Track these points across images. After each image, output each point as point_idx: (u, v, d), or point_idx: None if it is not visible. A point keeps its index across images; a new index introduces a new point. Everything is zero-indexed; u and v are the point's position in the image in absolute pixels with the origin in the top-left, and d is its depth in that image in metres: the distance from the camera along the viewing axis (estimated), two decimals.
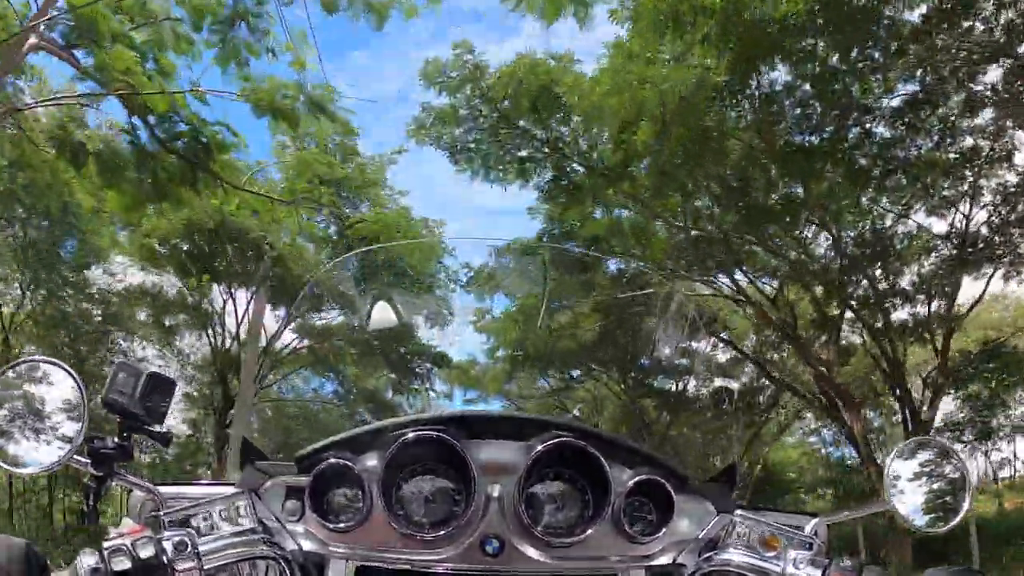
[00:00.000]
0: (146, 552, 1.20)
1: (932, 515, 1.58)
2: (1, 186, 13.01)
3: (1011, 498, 23.95)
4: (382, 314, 2.35)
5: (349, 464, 1.36)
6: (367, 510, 1.35)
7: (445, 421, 1.39)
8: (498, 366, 18.40)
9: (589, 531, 1.35)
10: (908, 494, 1.58)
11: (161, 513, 1.38)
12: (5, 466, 1.39)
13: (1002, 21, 11.42)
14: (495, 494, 1.38)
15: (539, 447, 1.34)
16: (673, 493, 1.40)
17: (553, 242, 15.25)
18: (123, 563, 1.19)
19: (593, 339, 16.81)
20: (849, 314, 16.19)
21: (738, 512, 1.45)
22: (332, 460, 1.36)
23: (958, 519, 1.55)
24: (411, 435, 1.33)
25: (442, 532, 1.33)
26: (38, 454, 1.40)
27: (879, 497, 1.56)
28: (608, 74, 13.03)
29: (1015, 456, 27.67)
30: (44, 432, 1.41)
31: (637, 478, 1.39)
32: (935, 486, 1.61)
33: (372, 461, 1.38)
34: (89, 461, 1.40)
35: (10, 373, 1.42)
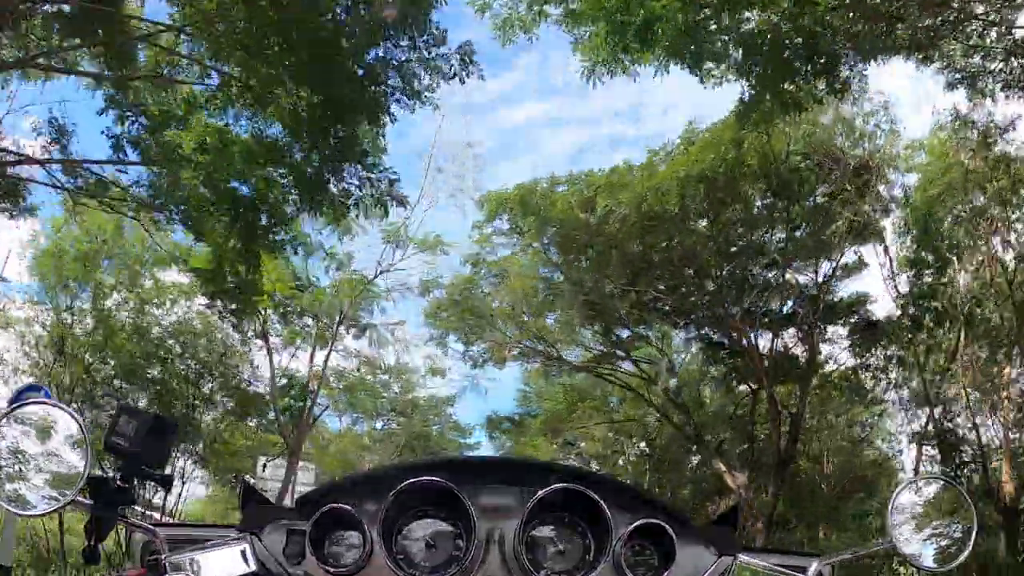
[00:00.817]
0: None
1: (936, 554, 1.57)
2: None
3: None
4: None
5: (350, 508, 1.36)
6: (368, 554, 1.35)
7: (445, 466, 1.39)
8: None
9: (591, 575, 1.34)
10: (912, 532, 1.57)
11: (162, 556, 1.38)
12: (8, 507, 1.40)
13: None
14: (495, 538, 1.38)
15: (540, 491, 1.34)
16: (674, 537, 1.39)
17: None
18: None
19: None
20: None
21: (741, 556, 1.44)
22: (333, 504, 1.36)
23: (962, 558, 1.54)
24: (411, 481, 1.33)
25: (442, 575, 1.33)
26: (41, 495, 1.41)
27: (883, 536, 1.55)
28: None
29: None
30: (47, 474, 1.42)
31: (638, 522, 1.39)
32: (939, 524, 1.60)
33: (373, 506, 1.38)
34: (92, 503, 1.40)
35: (13, 416, 1.42)
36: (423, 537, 1.39)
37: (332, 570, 1.36)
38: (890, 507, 1.54)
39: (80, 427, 1.39)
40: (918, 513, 1.59)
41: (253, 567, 1.38)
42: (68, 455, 1.43)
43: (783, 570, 1.42)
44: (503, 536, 1.38)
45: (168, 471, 1.49)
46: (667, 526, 1.39)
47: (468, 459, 1.48)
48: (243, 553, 1.40)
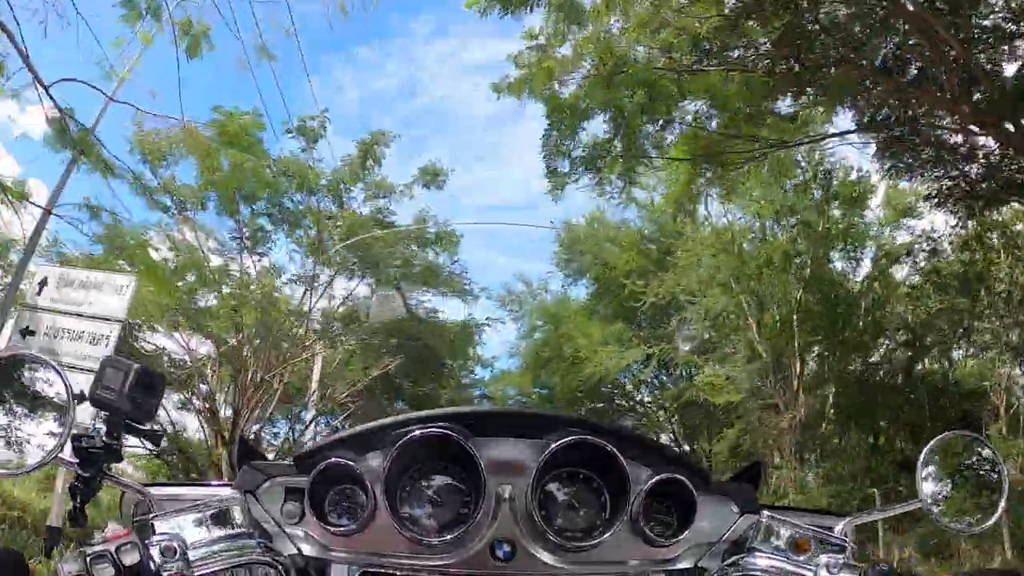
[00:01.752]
0: (130, 558, 1.12)
1: (966, 514, 1.50)
2: None
3: None
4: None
5: (351, 464, 1.28)
6: (370, 512, 1.27)
7: (452, 418, 1.30)
8: None
9: (607, 534, 1.26)
10: (941, 492, 1.50)
11: (150, 516, 1.30)
12: None
13: None
14: (506, 495, 1.29)
15: (553, 444, 1.26)
16: (695, 493, 1.31)
17: None
18: (106, 570, 1.11)
19: None
20: None
21: (764, 512, 1.36)
22: (333, 459, 1.28)
23: (994, 519, 1.46)
24: (416, 433, 1.25)
25: (450, 536, 1.25)
26: (21, 454, 1.33)
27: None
28: None
29: None
30: (28, 430, 1.34)
31: (657, 477, 1.30)
32: (969, 484, 1.53)
33: (375, 461, 1.30)
34: (76, 461, 1.32)
35: None
36: (429, 494, 1.31)
37: (333, 529, 1.28)
38: (919, 465, 1.47)
39: (63, 380, 1.31)
40: (948, 472, 1.52)
41: (247, 528, 1.31)
42: (51, 410, 1.35)
43: (810, 527, 1.34)
44: (514, 492, 1.30)
45: (155, 427, 1.41)
46: (687, 482, 1.31)
47: (477, 410, 1.39)
48: (237, 512, 1.32)
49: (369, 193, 14.77)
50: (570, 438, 1.27)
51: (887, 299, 16.78)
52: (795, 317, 16.50)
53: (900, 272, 16.92)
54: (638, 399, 22.74)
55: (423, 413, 1.32)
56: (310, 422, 15.74)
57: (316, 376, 15.11)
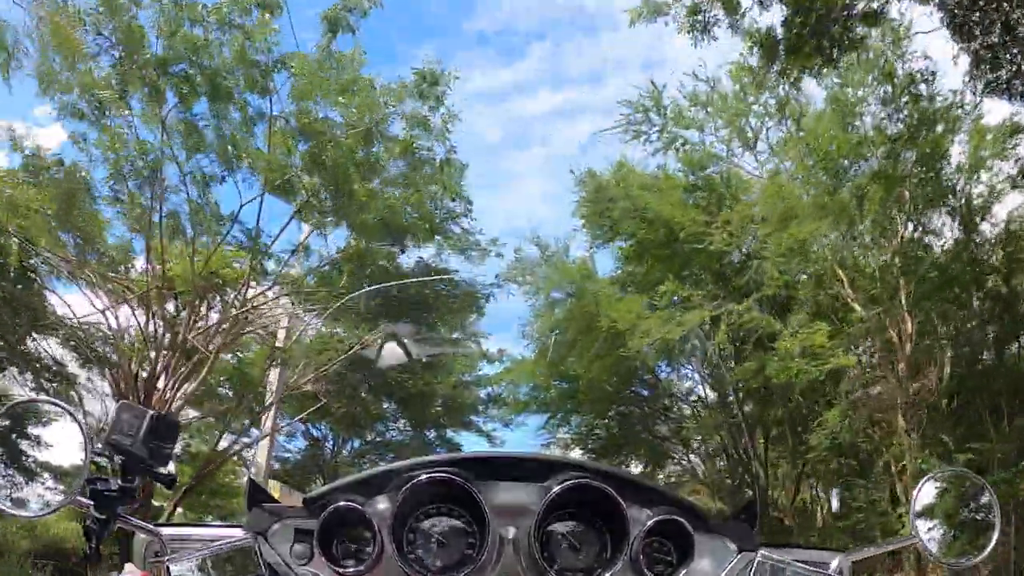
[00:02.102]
0: None
1: (959, 549, 1.53)
2: None
3: None
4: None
5: (359, 506, 1.32)
6: (378, 553, 1.31)
7: (457, 463, 1.34)
8: None
9: (607, 574, 1.30)
10: (935, 527, 1.54)
11: (165, 559, 1.34)
12: (5, 509, 1.35)
13: None
14: (509, 536, 1.33)
15: (555, 488, 1.30)
16: (693, 532, 1.35)
17: None
18: None
19: None
20: None
21: (761, 551, 1.39)
22: (342, 502, 1.32)
23: (986, 553, 1.50)
24: (423, 476, 1.29)
25: (456, 575, 1.29)
26: (40, 496, 1.37)
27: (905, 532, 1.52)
28: None
29: None
30: (45, 474, 1.38)
31: (656, 518, 1.35)
32: (962, 519, 1.56)
33: (383, 503, 1.34)
34: (92, 503, 1.36)
35: (11, 414, 1.38)
36: (435, 535, 1.35)
37: (341, 570, 1.32)
38: (912, 500, 1.51)
39: (79, 425, 1.35)
40: (943, 508, 1.56)
41: (260, 569, 1.34)
42: (67, 455, 1.39)
43: (805, 566, 1.38)
44: (518, 534, 1.34)
45: (169, 471, 1.44)
46: (685, 522, 1.35)
47: (481, 455, 1.44)
48: (249, 554, 1.36)
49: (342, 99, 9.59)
50: (571, 482, 1.31)
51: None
52: (897, 262, 12.18)
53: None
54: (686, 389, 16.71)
55: (429, 458, 1.36)
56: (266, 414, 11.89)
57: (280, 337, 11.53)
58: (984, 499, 1.56)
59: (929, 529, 1.52)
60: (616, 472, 1.41)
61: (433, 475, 1.30)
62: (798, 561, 1.41)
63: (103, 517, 1.37)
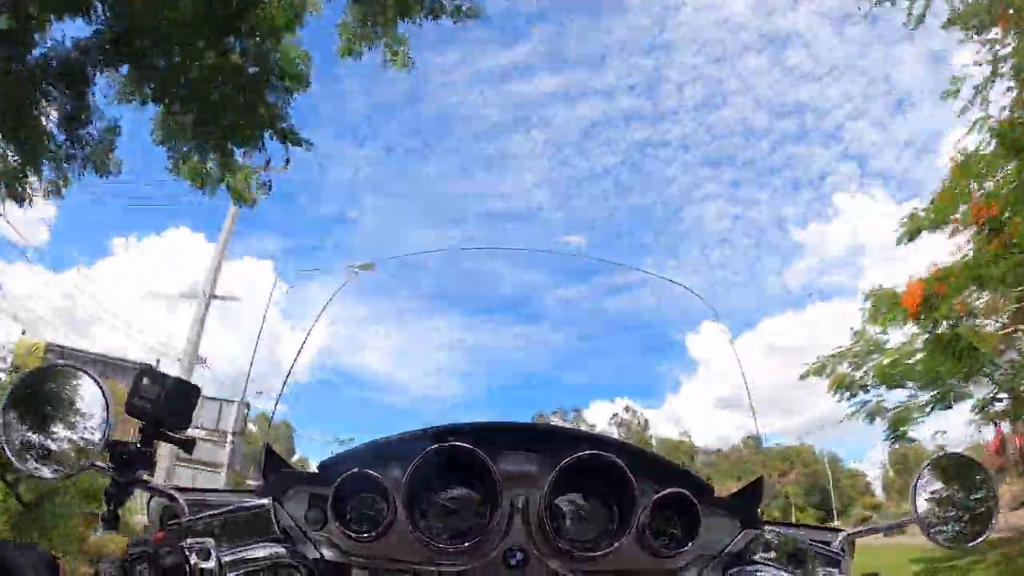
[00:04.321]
0: (168, 561, 1.20)
1: (959, 532, 1.56)
2: None
3: None
4: None
5: (373, 474, 1.35)
6: (390, 520, 1.34)
7: (470, 432, 1.37)
8: None
9: (614, 545, 1.33)
10: (935, 510, 1.56)
11: (183, 520, 1.37)
12: (28, 470, 1.39)
13: None
14: (519, 505, 1.36)
15: (566, 459, 1.33)
16: (699, 507, 1.37)
17: None
18: (145, 572, 1.18)
19: None
20: None
21: (765, 527, 1.42)
22: (356, 469, 1.35)
23: (984, 537, 1.53)
24: (436, 446, 1.32)
25: (465, 543, 1.32)
26: (61, 459, 1.40)
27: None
28: None
29: None
30: (67, 437, 1.41)
31: (663, 491, 1.37)
32: (962, 503, 1.59)
33: (396, 471, 1.37)
34: (112, 467, 1.39)
35: (35, 378, 1.41)
36: (447, 504, 1.38)
37: (354, 536, 1.35)
38: (913, 484, 1.54)
39: (101, 389, 1.38)
40: (942, 491, 1.59)
41: (275, 532, 1.38)
42: (88, 418, 1.42)
43: (808, 541, 1.41)
44: (527, 504, 1.37)
45: (189, 436, 1.48)
46: (692, 496, 1.38)
47: (494, 425, 1.46)
48: (265, 517, 1.39)
49: None
50: (581, 453, 1.34)
51: None
52: None
53: None
54: None
55: (444, 427, 1.39)
56: None
57: None
58: (984, 485, 1.59)
59: (929, 512, 1.54)
60: (626, 445, 1.43)
61: (447, 445, 1.32)
62: (801, 538, 1.44)
63: (122, 480, 1.41)
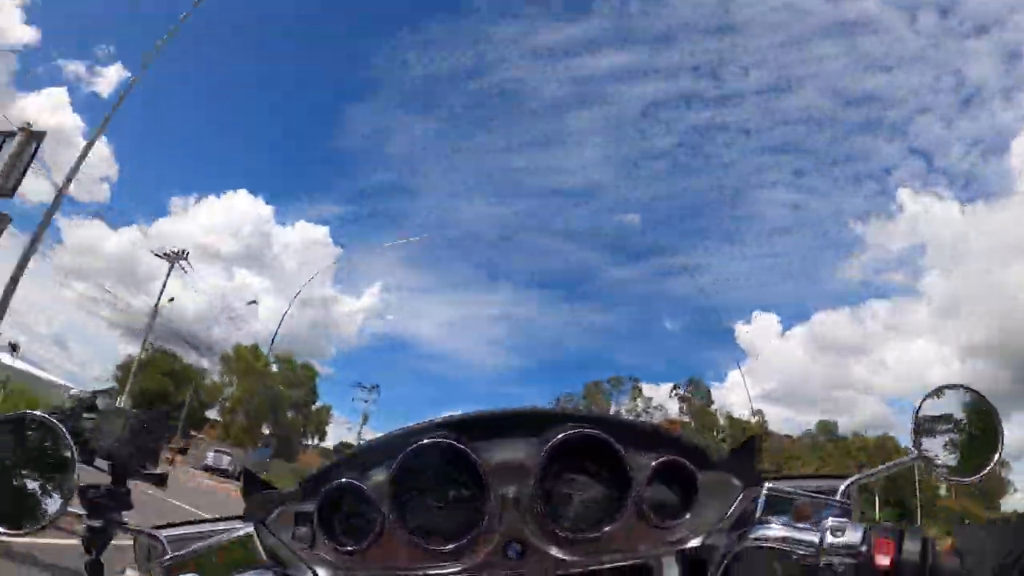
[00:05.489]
0: None
1: (964, 463, 1.52)
2: None
3: None
4: None
5: (356, 482, 1.30)
6: (380, 528, 1.29)
7: (450, 425, 1.32)
8: None
9: (613, 523, 1.28)
10: (938, 444, 1.53)
11: (167, 558, 1.31)
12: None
13: None
14: (511, 495, 1.31)
15: (553, 440, 1.28)
16: (696, 472, 1.33)
17: None
18: None
19: None
20: None
21: (766, 484, 1.38)
22: (338, 481, 1.30)
23: (989, 468, 1.49)
24: (416, 445, 1.26)
25: (460, 542, 1.27)
26: (30, 512, 1.34)
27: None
28: None
29: None
30: (34, 489, 1.35)
31: (657, 461, 1.33)
32: (965, 435, 1.55)
33: (380, 476, 1.32)
34: (85, 512, 1.34)
35: None
36: (436, 503, 1.33)
37: (345, 549, 1.30)
38: (913, 417, 1.50)
39: (63, 435, 1.32)
40: (943, 424, 1.55)
41: (263, 557, 1.32)
42: (54, 467, 1.36)
43: (812, 493, 1.37)
44: (519, 492, 1.31)
45: (161, 470, 1.42)
46: (687, 462, 1.34)
47: (473, 415, 1.41)
48: (250, 545, 1.33)
49: None
50: (570, 432, 1.29)
51: None
52: None
53: None
54: None
55: (421, 424, 1.34)
56: None
57: None
58: (986, 417, 1.55)
59: (931, 446, 1.51)
60: (612, 418, 1.39)
61: (426, 442, 1.27)
62: (803, 489, 1.39)
63: (99, 525, 1.35)
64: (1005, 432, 1.53)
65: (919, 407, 1.51)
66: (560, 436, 1.28)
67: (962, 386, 1.59)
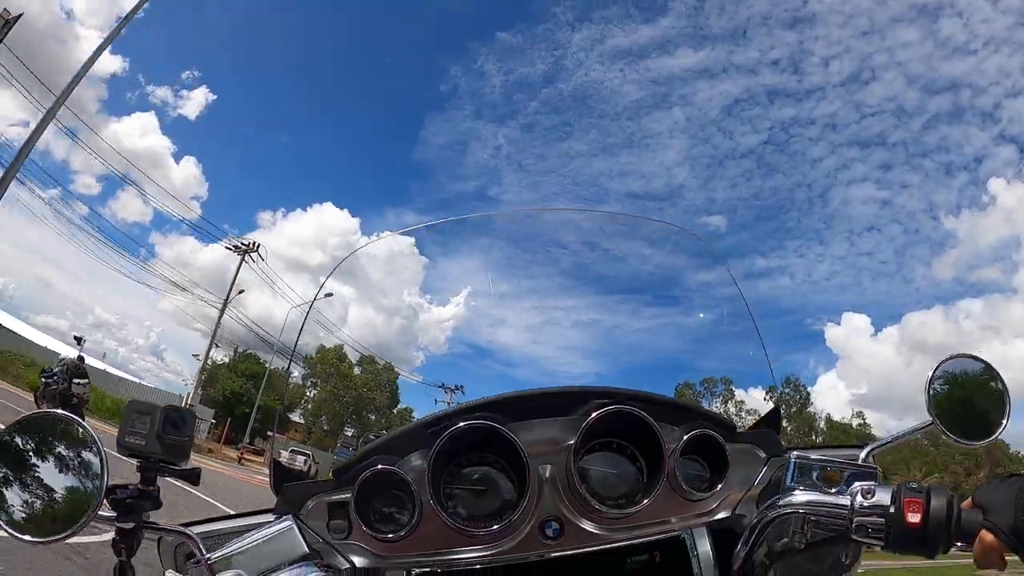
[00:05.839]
0: None
1: (972, 430, 1.57)
2: None
3: None
4: None
5: (393, 468, 1.30)
6: (418, 513, 1.29)
7: (485, 407, 1.33)
8: None
9: (647, 497, 1.30)
10: (949, 410, 1.58)
11: (203, 557, 1.29)
12: (25, 538, 1.29)
13: None
14: (547, 474, 1.32)
15: (589, 418, 1.29)
16: (724, 444, 1.36)
17: None
18: None
19: None
20: None
21: (792, 453, 1.41)
22: (375, 467, 1.30)
23: (998, 433, 1.55)
24: (455, 427, 1.27)
25: (499, 523, 1.28)
26: (59, 518, 1.31)
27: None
28: None
29: None
30: (61, 491, 1.32)
31: (687, 435, 1.35)
32: (975, 401, 1.60)
33: (416, 461, 1.32)
34: (115, 514, 1.31)
35: (17, 431, 1.32)
36: (473, 486, 1.34)
37: (382, 537, 1.30)
38: (927, 385, 1.54)
39: (90, 434, 1.30)
40: (954, 391, 1.60)
41: (302, 550, 1.31)
42: (82, 468, 1.34)
43: (837, 459, 1.40)
44: (555, 471, 1.33)
45: (191, 466, 1.40)
46: (716, 435, 1.36)
47: (509, 396, 1.42)
48: (285, 540, 1.32)
49: None
50: (602, 410, 1.30)
51: None
52: None
53: None
54: None
55: (458, 407, 1.34)
56: None
57: None
58: (994, 380, 1.60)
59: (943, 411, 1.56)
60: (644, 394, 1.41)
61: (465, 424, 1.28)
62: (827, 457, 1.42)
63: (129, 526, 1.33)
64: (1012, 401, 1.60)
65: (931, 376, 1.56)
66: (596, 414, 1.30)
67: (972, 356, 1.65)
